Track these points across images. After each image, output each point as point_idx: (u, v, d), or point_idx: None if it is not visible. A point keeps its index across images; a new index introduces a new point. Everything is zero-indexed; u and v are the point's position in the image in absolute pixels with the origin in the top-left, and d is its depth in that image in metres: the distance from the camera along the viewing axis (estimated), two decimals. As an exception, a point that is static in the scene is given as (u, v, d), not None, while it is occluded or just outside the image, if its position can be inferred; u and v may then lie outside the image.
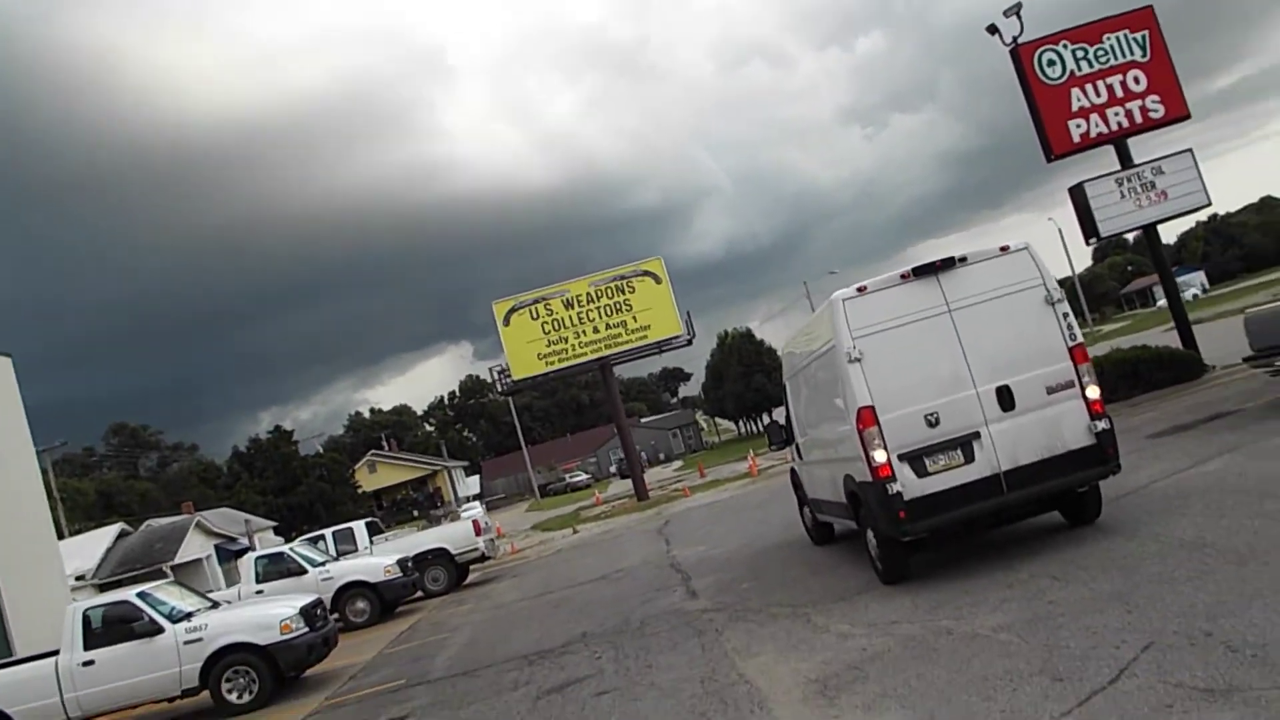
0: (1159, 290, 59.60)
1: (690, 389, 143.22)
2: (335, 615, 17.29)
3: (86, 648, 11.90)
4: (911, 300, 8.72)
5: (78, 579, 30.07)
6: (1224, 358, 19.44)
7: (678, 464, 77.50)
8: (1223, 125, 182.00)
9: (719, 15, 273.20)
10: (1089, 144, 21.00)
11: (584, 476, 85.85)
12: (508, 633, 13.06)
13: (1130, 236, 47.57)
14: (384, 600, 18.83)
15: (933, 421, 8.44)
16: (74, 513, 54.21)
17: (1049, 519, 9.57)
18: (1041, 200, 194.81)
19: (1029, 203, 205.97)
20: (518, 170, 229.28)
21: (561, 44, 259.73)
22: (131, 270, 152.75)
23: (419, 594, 20.91)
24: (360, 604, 18.65)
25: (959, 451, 8.43)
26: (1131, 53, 20.77)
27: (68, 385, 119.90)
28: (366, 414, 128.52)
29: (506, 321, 37.82)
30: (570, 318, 37.59)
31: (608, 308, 37.64)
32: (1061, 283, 9.31)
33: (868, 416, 8.43)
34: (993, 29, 21.29)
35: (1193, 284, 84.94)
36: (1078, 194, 21.09)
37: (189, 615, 12.31)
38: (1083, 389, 8.52)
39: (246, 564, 20.60)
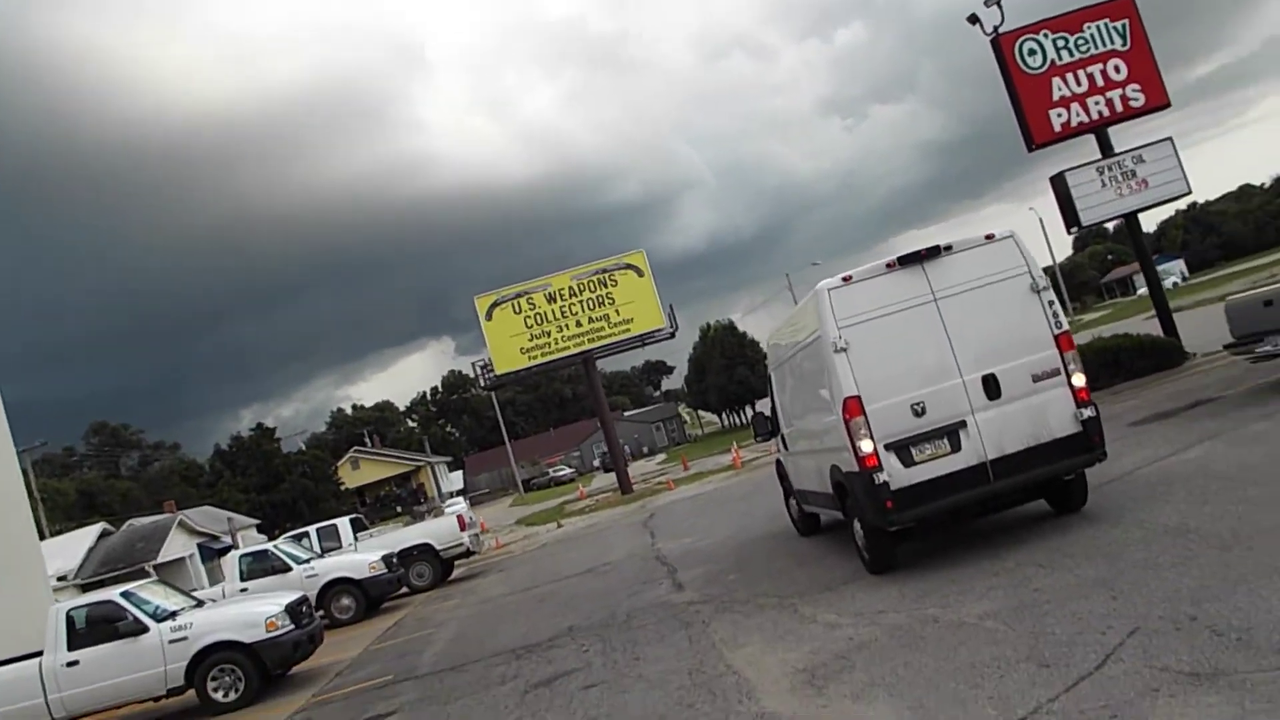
0: (1139, 279, 59.95)
1: (673, 382, 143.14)
2: (320, 612, 17.23)
3: (70, 648, 11.81)
4: (897, 289, 8.71)
5: (60, 580, 29.78)
6: (1204, 345, 19.54)
7: (661, 457, 77.57)
8: (1201, 114, 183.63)
9: (699, 7, 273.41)
10: (1070, 133, 21.05)
11: (568, 471, 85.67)
12: (494, 627, 13.03)
13: (1111, 225, 47.83)
14: (369, 596, 18.80)
15: (919, 411, 8.45)
16: (55, 513, 53.69)
17: (1035, 507, 9.61)
18: (1022, 190, 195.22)
19: (1010, 192, 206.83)
20: (499, 165, 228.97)
21: (541, 37, 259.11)
22: (109, 269, 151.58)
23: (404, 590, 20.87)
24: (345, 600, 18.60)
25: (945, 440, 8.44)
26: (1112, 42, 20.84)
27: (47, 385, 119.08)
28: (349, 410, 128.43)
29: (489, 316, 37.74)
30: (553, 311, 37.56)
31: (590, 301, 37.64)
32: (1043, 272, 9.34)
33: (854, 406, 8.42)
34: (973, 19, 21.29)
35: (1172, 272, 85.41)
36: (1059, 183, 21.18)
37: (173, 614, 12.24)
38: (1068, 376, 8.54)
39: (230, 562, 20.53)
